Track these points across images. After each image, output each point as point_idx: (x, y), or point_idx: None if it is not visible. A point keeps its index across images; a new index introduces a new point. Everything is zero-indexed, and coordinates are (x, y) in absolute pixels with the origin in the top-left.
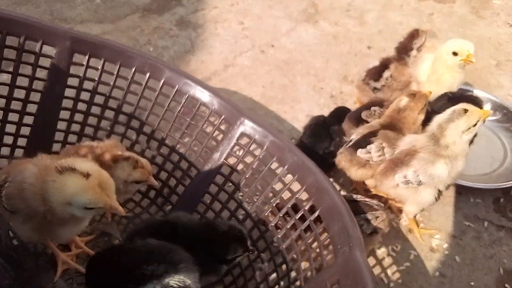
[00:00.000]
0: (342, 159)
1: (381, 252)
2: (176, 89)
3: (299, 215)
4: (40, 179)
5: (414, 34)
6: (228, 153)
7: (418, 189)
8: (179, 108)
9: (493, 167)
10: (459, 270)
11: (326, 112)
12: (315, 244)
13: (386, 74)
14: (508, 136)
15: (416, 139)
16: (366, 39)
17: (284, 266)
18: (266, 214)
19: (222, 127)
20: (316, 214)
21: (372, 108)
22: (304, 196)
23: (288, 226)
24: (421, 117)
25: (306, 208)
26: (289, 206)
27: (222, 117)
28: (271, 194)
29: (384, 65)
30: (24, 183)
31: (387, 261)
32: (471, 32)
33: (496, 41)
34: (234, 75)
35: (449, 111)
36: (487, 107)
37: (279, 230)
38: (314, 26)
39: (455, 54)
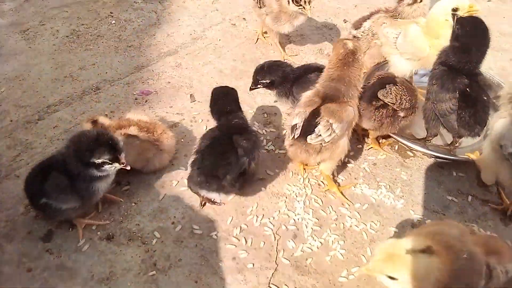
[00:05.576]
0: (297, 152)
1: (359, 229)
2: None
3: None
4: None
5: None
6: None
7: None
8: None
9: (475, 140)
10: None
11: None
12: None
13: (367, 24)
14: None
15: None
16: (342, 13)
17: None
18: None
19: None
20: None
21: (388, 86)
22: None
23: None
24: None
25: None
26: None
27: None
28: None
29: (369, 15)
30: None
31: (366, 238)
32: None
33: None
34: (203, 48)
35: None
36: None
37: None
38: None
39: (455, 10)
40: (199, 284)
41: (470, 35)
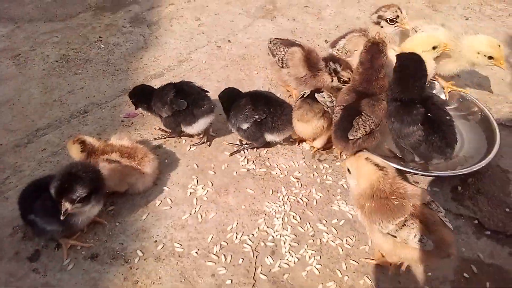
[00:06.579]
0: (304, 112)
1: (335, 244)
2: None
3: None
4: None
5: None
6: None
7: None
8: None
9: None
10: None
11: None
12: None
13: (341, 42)
14: (465, 124)
15: None
16: (323, 34)
17: None
18: None
19: None
20: None
21: (354, 122)
22: None
23: None
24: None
25: None
26: None
27: None
28: None
29: (344, 34)
30: None
31: (342, 253)
32: (429, 25)
33: (453, 33)
34: (188, 70)
35: None
36: (443, 96)
37: None
38: (272, 21)
39: (434, 48)
40: None
41: (408, 67)
